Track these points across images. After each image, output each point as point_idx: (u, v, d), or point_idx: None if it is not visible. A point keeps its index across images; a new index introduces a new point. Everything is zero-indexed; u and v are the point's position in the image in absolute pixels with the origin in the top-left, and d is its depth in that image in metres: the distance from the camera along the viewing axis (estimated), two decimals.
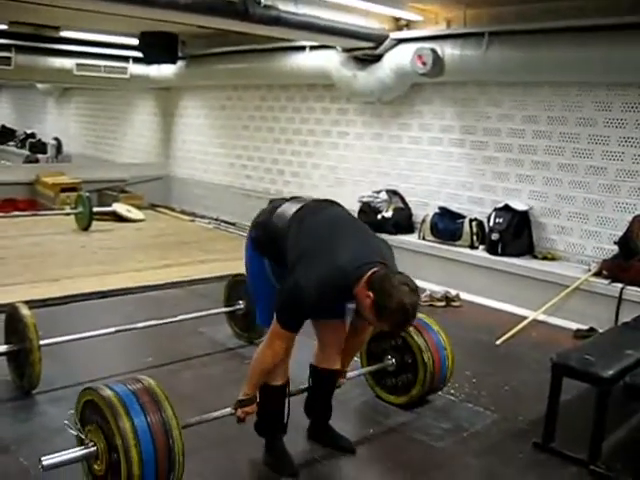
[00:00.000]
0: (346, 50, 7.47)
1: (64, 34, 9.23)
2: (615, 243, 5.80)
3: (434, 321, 4.10)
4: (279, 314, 2.94)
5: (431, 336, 3.94)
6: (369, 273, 2.80)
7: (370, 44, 7.07)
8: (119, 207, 9.89)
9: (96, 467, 2.77)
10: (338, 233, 2.99)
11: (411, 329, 3.76)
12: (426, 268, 6.84)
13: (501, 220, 6.49)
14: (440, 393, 4.25)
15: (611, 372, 3.36)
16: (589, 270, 5.88)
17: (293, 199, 3.30)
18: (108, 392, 2.75)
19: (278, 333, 2.96)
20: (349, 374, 3.68)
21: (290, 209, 3.15)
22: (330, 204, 3.29)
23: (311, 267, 2.86)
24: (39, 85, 15.05)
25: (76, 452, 2.79)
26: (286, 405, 3.28)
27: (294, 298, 2.88)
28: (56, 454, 2.72)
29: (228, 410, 3.19)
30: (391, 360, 3.97)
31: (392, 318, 2.77)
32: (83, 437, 2.80)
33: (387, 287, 2.73)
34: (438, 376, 3.92)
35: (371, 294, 2.75)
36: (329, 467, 3.40)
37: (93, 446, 2.76)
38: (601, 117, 6.01)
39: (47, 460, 2.68)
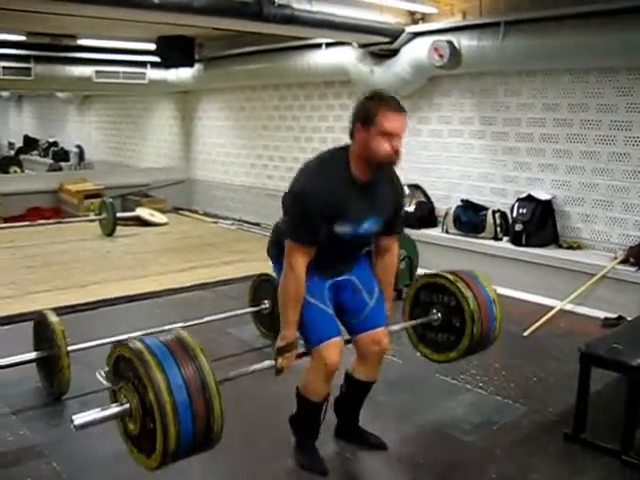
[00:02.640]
0: (362, 46, 7.45)
1: (81, 42, 9.31)
2: None
3: (483, 275, 3.79)
4: (287, 227, 2.93)
5: (480, 291, 3.62)
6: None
7: (386, 39, 7.05)
8: (142, 212, 9.97)
9: (130, 426, 2.61)
10: None
11: (460, 284, 3.53)
12: (450, 261, 6.78)
13: (524, 210, 6.45)
14: (469, 386, 4.24)
15: None
16: (615, 258, 5.82)
17: None
18: (140, 346, 2.55)
19: (292, 251, 2.90)
20: (393, 327, 3.48)
21: None
22: None
23: (302, 172, 2.95)
24: (59, 94, 15.21)
25: (108, 410, 2.62)
26: (322, 417, 3.24)
27: (295, 201, 2.89)
28: (87, 412, 2.60)
29: (268, 363, 3.04)
30: (437, 315, 3.67)
31: (381, 111, 2.79)
32: (116, 389, 2.63)
33: (359, 103, 2.89)
34: (485, 334, 3.63)
35: (357, 124, 2.85)
36: (358, 464, 3.41)
37: (126, 403, 2.58)
38: (623, 102, 5.94)
39: (79, 419, 2.56)
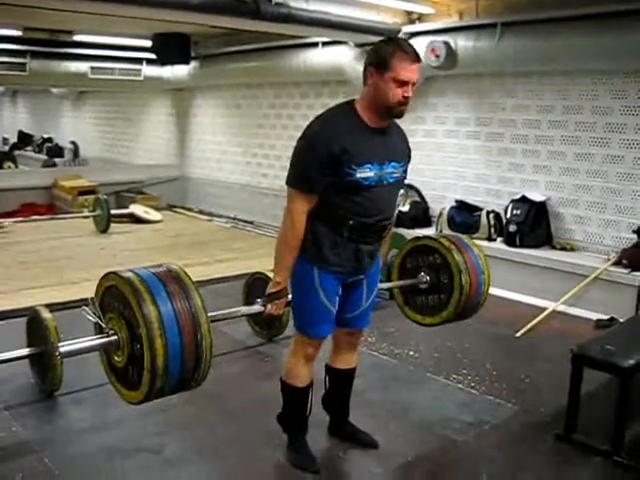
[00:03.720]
0: (359, 45, 7.45)
1: (77, 38, 9.28)
2: (634, 232, 5.76)
3: (475, 243, 3.86)
4: (290, 172, 2.90)
5: (471, 258, 3.65)
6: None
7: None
8: (137, 209, 9.96)
9: (116, 358, 2.56)
10: None
11: (452, 247, 3.56)
12: None
13: (518, 211, 6.46)
14: (461, 386, 4.25)
15: (632, 362, 3.33)
16: (608, 259, 5.85)
17: None
18: (131, 275, 2.49)
19: (293, 197, 2.88)
20: (380, 285, 3.44)
21: None
22: None
23: (309, 125, 2.94)
24: (54, 90, 15.15)
25: (95, 339, 2.60)
26: (308, 406, 3.26)
27: (305, 144, 2.88)
28: (74, 341, 2.58)
29: (257, 307, 3.08)
30: (425, 277, 3.70)
31: (397, 56, 2.77)
32: (103, 324, 2.59)
33: (375, 46, 2.88)
34: (472, 300, 3.66)
35: (370, 68, 2.83)
36: (350, 462, 3.41)
37: (114, 335, 2.55)
38: (617, 105, 5.97)
39: (64, 347, 2.55)
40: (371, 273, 3.17)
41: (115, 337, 2.53)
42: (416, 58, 2.81)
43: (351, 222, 2.90)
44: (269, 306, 3.02)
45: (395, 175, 3.00)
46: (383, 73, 2.78)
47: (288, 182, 2.90)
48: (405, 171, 3.11)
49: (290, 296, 3.05)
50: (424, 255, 3.68)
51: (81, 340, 2.57)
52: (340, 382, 3.45)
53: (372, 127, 2.89)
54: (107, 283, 2.57)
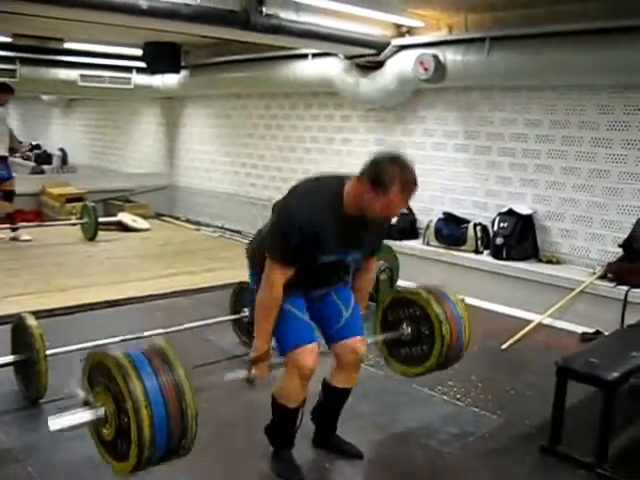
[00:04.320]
0: (348, 57, 7.49)
1: (68, 46, 9.28)
2: (620, 246, 5.79)
3: (452, 292, 3.88)
4: (270, 245, 2.89)
5: (450, 306, 3.69)
6: (353, 176, 2.85)
7: (372, 51, 7.10)
8: (124, 217, 9.94)
9: (105, 431, 2.63)
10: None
11: (431, 298, 3.59)
12: (431, 273, 6.84)
13: (505, 224, 6.50)
14: (446, 398, 4.26)
15: (616, 374, 3.35)
16: (594, 273, 5.88)
17: None
18: (118, 353, 2.60)
19: (272, 268, 2.87)
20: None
21: None
22: None
23: (295, 193, 2.90)
24: (44, 96, 15.13)
25: (84, 414, 2.64)
26: (297, 423, 3.24)
27: (282, 221, 2.84)
28: (64, 414, 2.61)
29: (242, 372, 3.08)
30: (407, 329, 3.71)
31: (396, 185, 2.71)
32: (91, 400, 2.65)
33: (378, 161, 2.76)
34: (455, 348, 3.68)
35: (364, 179, 2.75)
36: (335, 473, 3.41)
37: (102, 409, 2.61)
38: (603, 120, 6.02)
39: (54, 424, 2.57)
40: (335, 287, 3.22)
41: (103, 411, 2.60)
42: (415, 186, 2.81)
43: (303, 274, 2.96)
44: (254, 370, 3.01)
45: (358, 258, 3.09)
46: (378, 193, 2.73)
47: (268, 253, 2.89)
48: (377, 247, 3.23)
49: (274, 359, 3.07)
50: (404, 307, 3.72)
51: (71, 415, 2.62)
52: (335, 400, 3.43)
53: (351, 214, 2.88)
54: (95, 359, 2.67)
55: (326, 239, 2.84)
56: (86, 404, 2.68)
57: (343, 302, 3.24)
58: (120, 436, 2.56)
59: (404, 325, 3.71)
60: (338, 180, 2.92)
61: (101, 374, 2.61)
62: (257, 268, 3.10)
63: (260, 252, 3.03)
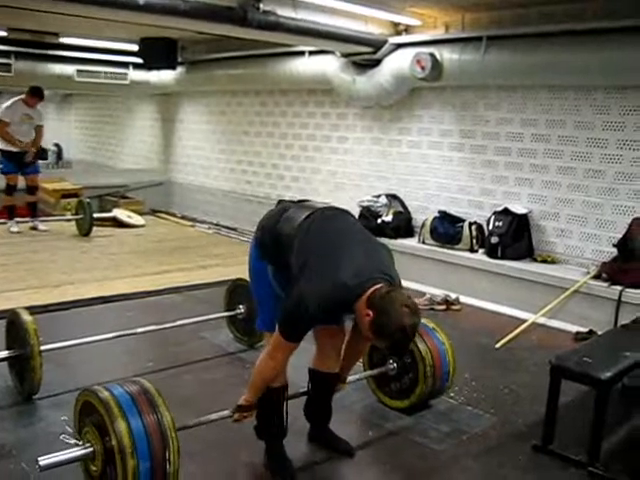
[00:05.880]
0: (345, 55, 7.50)
1: (64, 40, 9.26)
2: (614, 245, 5.81)
3: (430, 320, 4.10)
4: (282, 326, 2.91)
5: (431, 338, 3.93)
6: (371, 290, 2.77)
7: (369, 49, 7.10)
8: (120, 213, 9.92)
9: (93, 468, 2.81)
10: (343, 245, 2.94)
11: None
12: (426, 272, 6.86)
13: (500, 223, 6.51)
14: (440, 395, 4.27)
15: (609, 374, 3.37)
16: (588, 273, 5.89)
17: (302, 203, 3.29)
18: (105, 394, 2.78)
19: (280, 344, 2.94)
20: (350, 377, 3.69)
21: (298, 215, 3.08)
22: (340, 212, 3.23)
23: (315, 281, 2.82)
24: None
25: (73, 453, 2.82)
26: (285, 408, 3.28)
27: (298, 312, 2.85)
28: (53, 454, 2.75)
29: (226, 412, 3.22)
30: (392, 364, 3.95)
31: (390, 338, 2.76)
32: (79, 440, 2.86)
33: (387, 307, 2.71)
34: (439, 377, 3.90)
35: (371, 313, 2.74)
36: (328, 470, 3.41)
37: (90, 447, 2.80)
38: (599, 120, 6.03)
39: (44, 460, 2.71)
40: None
41: (91, 449, 2.81)
42: (409, 344, 3.06)
43: None
44: (236, 415, 3.21)
45: None
46: (375, 331, 2.79)
47: (283, 334, 2.91)
48: None
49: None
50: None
51: (60, 453, 2.80)
52: (321, 385, 3.46)
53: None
54: (83, 399, 2.90)
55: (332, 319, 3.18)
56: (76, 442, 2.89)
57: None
58: (107, 473, 2.76)
59: (390, 360, 3.98)
60: (359, 292, 2.82)
61: (90, 413, 2.83)
62: (262, 254, 3.20)
63: (271, 234, 3.14)
